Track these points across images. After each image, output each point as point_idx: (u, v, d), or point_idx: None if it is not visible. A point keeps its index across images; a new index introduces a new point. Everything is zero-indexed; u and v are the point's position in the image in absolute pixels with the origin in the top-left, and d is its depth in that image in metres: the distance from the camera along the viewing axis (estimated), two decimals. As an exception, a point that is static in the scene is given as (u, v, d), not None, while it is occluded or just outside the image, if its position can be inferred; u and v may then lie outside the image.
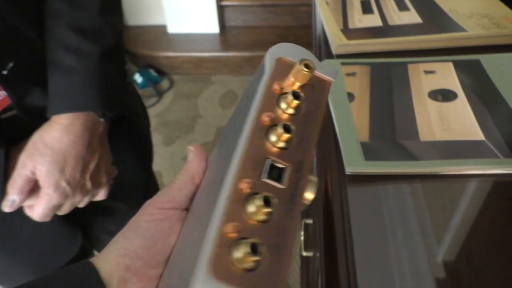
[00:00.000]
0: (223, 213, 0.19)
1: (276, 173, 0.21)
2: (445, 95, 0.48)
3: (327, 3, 0.68)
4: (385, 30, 0.60)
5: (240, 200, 0.19)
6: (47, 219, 0.49)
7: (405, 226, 0.36)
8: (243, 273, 0.18)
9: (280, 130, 0.21)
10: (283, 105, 0.23)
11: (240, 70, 2.20)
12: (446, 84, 0.50)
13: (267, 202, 0.19)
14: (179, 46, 2.22)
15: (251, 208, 0.19)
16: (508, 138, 0.42)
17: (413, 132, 0.44)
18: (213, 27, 2.26)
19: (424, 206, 0.38)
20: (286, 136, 0.21)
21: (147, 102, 2.03)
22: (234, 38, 2.24)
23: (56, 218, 0.53)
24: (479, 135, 0.43)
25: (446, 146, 0.42)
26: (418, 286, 0.32)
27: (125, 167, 0.65)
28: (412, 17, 0.63)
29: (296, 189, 0.21)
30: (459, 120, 0.45)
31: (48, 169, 0.47)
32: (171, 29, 2.30)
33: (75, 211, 0.53)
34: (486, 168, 0.40)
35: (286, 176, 0.21)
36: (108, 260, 0.26)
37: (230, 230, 0.18)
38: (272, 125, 0.22)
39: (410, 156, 0.41)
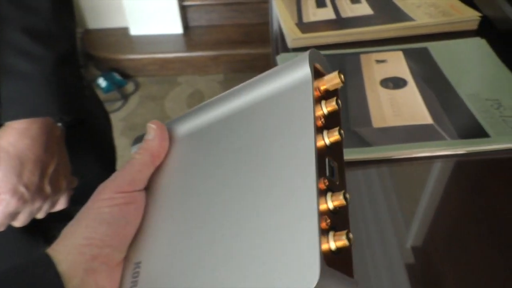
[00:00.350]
0: (316, 208, 0.20)
1: (330, 171, 0.22)
2: (395, 83, 0.50)
3: (281, -2, 0.69)
4: (338, 22, 0.62)
5: (323, 195, 0.21)
6: (2, 228, 0.48)
7: (362, 210, 0.37)
8: (336, 258, 0.20)
9: (335, 132, 0.23)
10: (324, 108, 0.24)
11: (206, 69, 2.19)
12: (397, 72, 0.52)
13: (345, 198, 0.21)
14: (142, 48, 2.19)
15: (334, 202, 0.21)
16: (454, 120, 0.44)
17: (366, 119, 0.46)
18: (177, 28, 2.25)
19: (379, 190, 0.39)
20: (336, 136, 0.23)
21: (113, 106, 2.00)
22: (198, 38, 2.23)
23: (13, 229, 0.51)
24: (428, 119, 0.45)
25: (398, 131, 0.44)
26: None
27: (87, 171, 0.64)
28: (363, 9, 0.65)
29: (342, 186, 0.23)
30: (409, 106, 0.47)
31: (5, 173, 0.46)
32: (133, 31, 2.26)
33: (35, 219, 0.52)
34: (435, 150, 0.41)
35: (336, 173, 0.23)
36: (70, 252, 0.25)
37: (323, 223, 0.20)
38: (323, 127, 0.24)
39: (364, 142, 0.43)
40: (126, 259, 0.27)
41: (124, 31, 2.28)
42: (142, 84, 2.18)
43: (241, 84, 0.29)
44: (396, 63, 0.53)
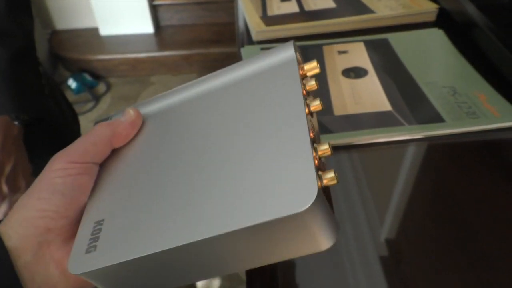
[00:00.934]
0: (311, 149, 0.22)
1: (312, 130, 0.25)
2: (357, 72, 0.51)
3: (246, -7, 0.69)
4: (302, 15, 0.62)
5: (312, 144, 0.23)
6: None
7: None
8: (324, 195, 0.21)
9: (316, 100, 0.26)
10: (305, 86, 0.27)
11: (179, 69, 2.18)
12: (358, 62, 0.53)
13: (330, 148, 0.24)
14: (113, 49, 2.16)
15: (321, 148, 0.24)
16: (412, 107, 0.46)
17: (328, 108, 0.46)
18: (148, 27, 2.23)
19: (339, 176, 0.40)
20: (318, 105, 0.26)
21: (84, 107, 1.96)
22: (170, 37, 2.22)
23: None
24: (387, 106, 0.46)
25: (358, 118, 0.45)
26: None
27: None
28: (326, 2, 0.66)
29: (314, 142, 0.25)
30: (369, 94, 0.48)
31: None
32: (103, 32, 2.23)
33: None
34: (394, 135, 0.43)
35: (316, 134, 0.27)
36: (22, 225, 0.24)
37: (316, 162, 0.22)
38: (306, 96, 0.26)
39: (325, 130, 0.44)
40: (80, 222, 0.26)
41: (94, 31, 2.24)
42: (113, 84, 2.15)
43: (222, 69, 0.31)
44: (357, 54, 0.54)
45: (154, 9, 2.23)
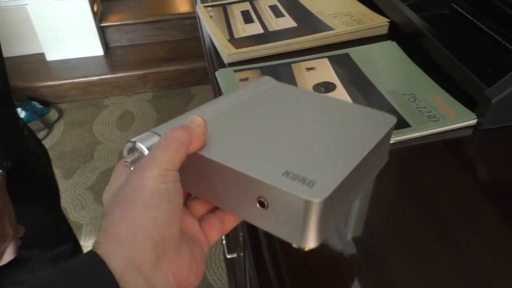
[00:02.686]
0: (349, 172, 0.27)
1: None
2: (326, 87, 0.55)
3: (211, 16, 0.72)
4: (267, 36, 0.66)
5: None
6: None
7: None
8: None
9: None
10: None
11: (133, 89, 2.16)
12: (326, 77, 0.57)
13: None
14: (61, 74, 2.11)
15: None
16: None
17: (305, 122, 0.50)
18: (97, 50, 2.19)
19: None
20: None
21: (37, 137, 1.89)
22: (121, 58, 2.20)
23: None
24: (358, 116, 0.50)
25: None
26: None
27: (33, 213, 0.61)
28: (287, 22, 0.70)
29: None
30: (340, 106, 0.52)
31: None
32: (49, 57, 2.17)
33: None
34: (368, 142, 0.47)
35: None
36: (136, 238, 0.22)
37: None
38: None
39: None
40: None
41: (40, 57, 2.18)
42: (65, 110, 2.09)
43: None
44: (324, 69, 0.58)
45: (102, 31, 2.20)
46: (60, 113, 2.07)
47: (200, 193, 0.30)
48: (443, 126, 0.48)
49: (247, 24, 0.70)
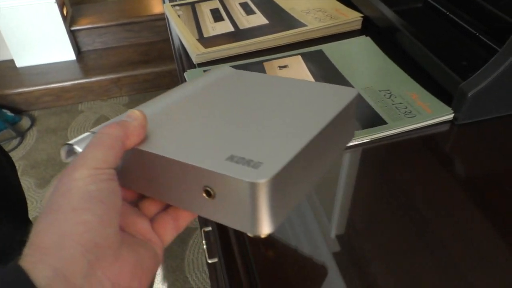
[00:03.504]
0: (299, 151, 0.25)
1: None
2: (299, 85, 0.54)
3: (179, 16, 0.70)
4: (238, 34, 0.64)
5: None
6: None
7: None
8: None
9: None
10: None
11: (108, 93, 2.11)
12: (299, 75, 0.55)
13: None
14: (32, 80, 2.04)
15: None
16: (356, 113, 0.49)
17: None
18: (68, 54, 2.13)
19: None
20: None
21: (8, 146, 1.83)
22: (94, 62, 2.14)
23: None
24: (333, 115, 0.48)
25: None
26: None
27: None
28: (259, 19, 0.68)
29: None
30: (315, 105, 0.50)
31: None
32: (19, 63, 2.10)
33: None
34: (344, 142, 0.45)
35: None
36: (63, 246, 0.20)
37: None
38: None
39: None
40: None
41: (9, 63, 2.11)
42: (38, 117, 2.02)
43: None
44: (297, 67, 0.56)
45: (73, 35, 2.14)
46: (33, 120, 2.00)
47: (146, 190, 0.29)
48: (419, 122, 0.46)
49: (217, 23, 0.68)
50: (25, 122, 1.99)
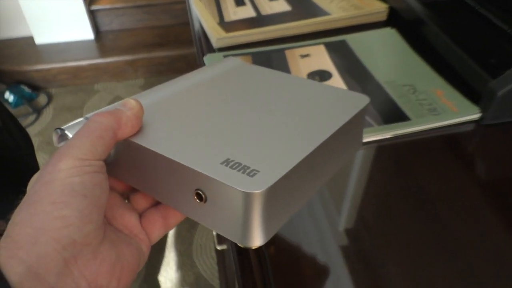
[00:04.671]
0: (298, 162, 0.24)
1: None
2: (321, 75, 0.52)
3: (200, -1, 0.68)
4: (259, 20, 0.63)
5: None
6: None
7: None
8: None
9: None
10: None
11: (124, 75, 2.11)
12: (321, 65, 0.54)
13: None
14: (50, 57, 2.05)
15: None
16: (378, 107, 0.47)
17: (298, 113, 0.47)
18: (87, 34, 2.13)
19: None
20: None
21: (25, 121, 1.85)
22: (111, 42, 2.14)
23: None
24: (354, 108, 0.47)
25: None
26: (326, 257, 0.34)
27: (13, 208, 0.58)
28: (281, 5, 0.66)
29: None
30: (336, 97, 0.49)
31: None
32: (38, 40, 2.11)
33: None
34: (364, 137, 0.44)
35: None
36: (38, 241, 0.19)
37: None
38: None
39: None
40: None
41: (28, 40, 2.12)
42: (55, 95, 2.04)
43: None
44: (319, 57, 0.55)
45: (92, 14, 2.14)
46: (50, 97, 2.02)
47: (137, 184, 0.27)
48: (444, 120, 0.45)
49: (239, 7, 0.66)
50: (42, 99, 2.01)
